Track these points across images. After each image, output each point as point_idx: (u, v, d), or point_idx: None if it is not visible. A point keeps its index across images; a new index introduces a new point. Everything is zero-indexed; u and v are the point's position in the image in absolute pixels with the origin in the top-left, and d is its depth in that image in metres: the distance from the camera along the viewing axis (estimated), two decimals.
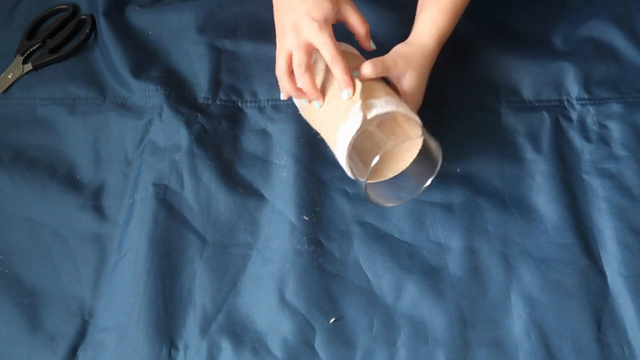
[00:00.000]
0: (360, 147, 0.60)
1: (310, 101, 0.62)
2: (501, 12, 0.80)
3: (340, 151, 0.59)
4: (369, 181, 0.61)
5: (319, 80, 0.62)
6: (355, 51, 0.67)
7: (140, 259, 0.61)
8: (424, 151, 0.61)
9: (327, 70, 0.62)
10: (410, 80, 0.62)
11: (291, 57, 0.60)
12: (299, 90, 0.61)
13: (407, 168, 0.63)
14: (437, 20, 0.65)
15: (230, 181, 0.67)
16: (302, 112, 0.68)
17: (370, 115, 0.57)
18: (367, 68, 0.60)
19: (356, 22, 0.64)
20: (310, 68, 0.60)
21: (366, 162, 0.58)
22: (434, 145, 0.59)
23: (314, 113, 0.63)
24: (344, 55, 0.60)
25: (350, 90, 0.58)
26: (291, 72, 0.61)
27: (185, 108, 0.71)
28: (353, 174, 0.61)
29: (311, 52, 0.60)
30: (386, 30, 0.76)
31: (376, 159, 0.56)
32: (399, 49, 0.64)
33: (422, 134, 0.58)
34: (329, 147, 0.63)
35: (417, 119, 0.59)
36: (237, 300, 0.60)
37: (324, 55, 0.58)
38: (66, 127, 0.71)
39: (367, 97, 0.58)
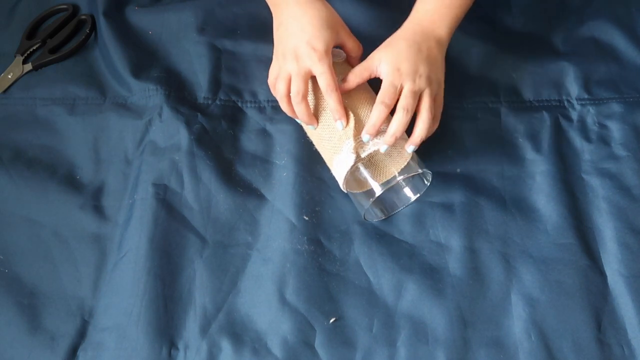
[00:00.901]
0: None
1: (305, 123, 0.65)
2: (501, 12, 0.80)
3: (337, 178, 0.62)
4: (354, 191, 0.63)
5: (316, 100, 0.64)
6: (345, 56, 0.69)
7: (140, 259, 0.61)
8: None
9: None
10: (383, 68, 0.61)
11: (290, 81, 0.62)
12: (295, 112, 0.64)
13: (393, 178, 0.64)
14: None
15: (230, 181, 0.67)
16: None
17: (363, 154, 0.59)
18: (352, 79, 0.62)
19: (353, 47, 0.66)
20: (306, 97, 0.62)
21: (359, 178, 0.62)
22: (420, 175, 0.62)
23: (309, 131, 0.66)
24: (336, 69, 0.62)
25: (344, 122, 0.60)
26: (290, 96, 0.63)
27: (185, 108, 0.71)
28: (349, 192, 0.63)
29: (308, 80, 0.62)
30: (381, 29, 0.76)
31: (378, 192, 0.59)
32: (384, 43, 0.64)
33: (416, 163, 0.61)
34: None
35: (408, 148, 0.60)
36: (237, 300, 0.60)
37: (321, 84, 0.60)
38: (66, 127, 0.71)
39: (359, 131, 0.60)
